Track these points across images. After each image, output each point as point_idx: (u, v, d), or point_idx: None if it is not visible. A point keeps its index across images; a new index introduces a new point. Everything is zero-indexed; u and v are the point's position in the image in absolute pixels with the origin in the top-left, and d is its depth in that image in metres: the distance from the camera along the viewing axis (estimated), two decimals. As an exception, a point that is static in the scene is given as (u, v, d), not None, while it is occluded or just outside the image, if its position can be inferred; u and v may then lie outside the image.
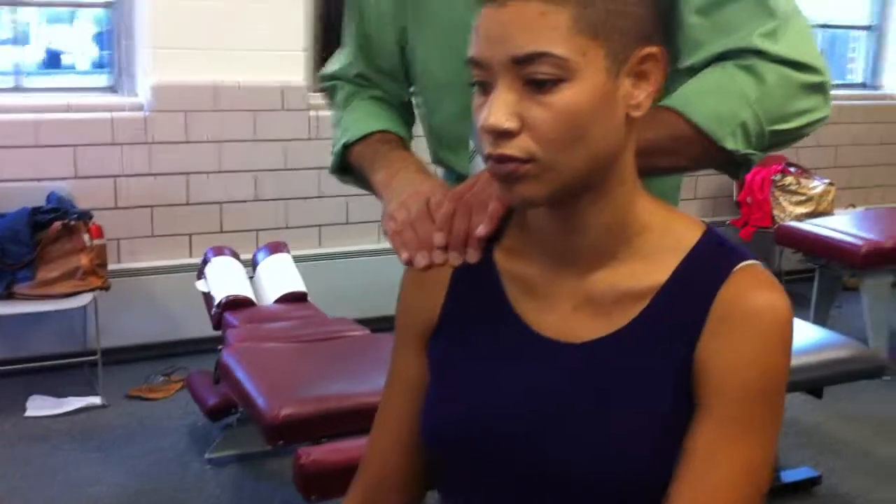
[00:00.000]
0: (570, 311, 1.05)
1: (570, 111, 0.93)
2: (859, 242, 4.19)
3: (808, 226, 4.55)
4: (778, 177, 5.28)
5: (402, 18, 1.47)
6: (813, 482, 3.27)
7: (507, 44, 0.93)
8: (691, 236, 1.03)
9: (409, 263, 1.15)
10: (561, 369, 1.03)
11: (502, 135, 0.94)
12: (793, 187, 5.27)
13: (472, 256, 1.10)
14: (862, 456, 3.49)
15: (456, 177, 1.48)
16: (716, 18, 1.22)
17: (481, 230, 1.10)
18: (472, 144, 1.41)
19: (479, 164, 1.34)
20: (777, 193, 5.26)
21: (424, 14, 1.44)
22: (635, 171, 1.03)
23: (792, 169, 5.35)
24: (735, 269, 1.00)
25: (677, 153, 1.18)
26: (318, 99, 4.47)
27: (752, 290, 0.99)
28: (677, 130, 1.16)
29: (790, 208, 5.23)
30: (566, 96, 0.93)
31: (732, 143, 1.17)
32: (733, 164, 1.22)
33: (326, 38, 4.51)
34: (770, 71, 1.19)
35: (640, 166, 1.06)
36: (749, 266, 1.01)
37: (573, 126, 0.93)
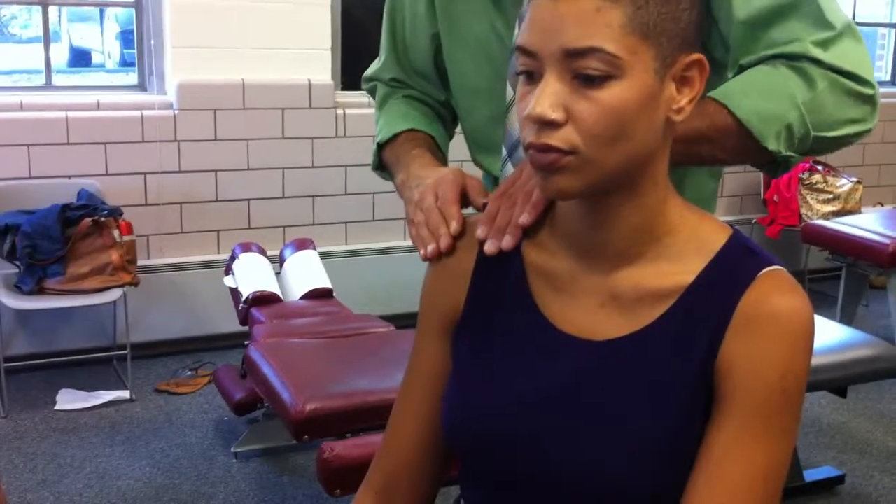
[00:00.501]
0: (596, 307, 1.06)
1: (616, 108, 0.94)
2: (887, 241, 4.16)
3: (836, 224, 4.53)
4: (805, 175, 5.25)
5: (435, 25, 1.50)
6: (836, 481, 3.25)
7: (561, 36, 0.94)
8: (718, 240, 1.05)
9: (426, 259, 1.17)
10: (581, 366, 1.04)
11: (547, 124, 0.95)
12: (820, 185, 5.24)
13: (508, 242, 1.11)
14: (886, 455, 3.47)
15: (492, 179, 1.50)
16: (769, 31, 1.22)
17: (524, 218, 1.10)
18: (504, 151, 1.43)
19: (511, 171, 1.36)
20: (804, 192, 5.24)
21: (454, 22, 1.46)
22: (667, 174, 1.04)
23: (819, 167, 5.32)
24: (760, 274, 1.01)
25: (718, 144, 1.18)
26: (345, 97, 4.50)
27: (775, 294, 1.00)
28: (720, 122, 1.16)
29: (817, 206, 5.20)
30: (614, 93, 0.94)
31: (774, 144, 1.17)
32: (773, 164, 1.22)
33: (352, 37, 4.54)
34: (821, 77, 1.18)
35: (681, 152, 1.07)
36: (773, 271, 1.02)
37: (618, 123, 0.94)
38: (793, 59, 1.20)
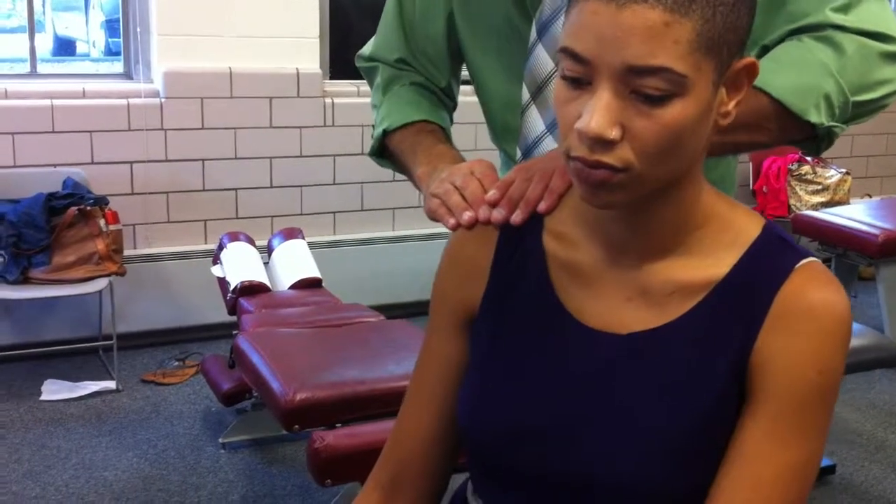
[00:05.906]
0: (623, 301, 1.02)
1: (676, 125, 0.89)
2: (876, 232, 4.16)
3: (824, 215, 4.52)
4: (794, 166, 5.26)
5: (450, 4, 1.46)
6: (827, 471, 3.26)
7: (624, 50, 0.87)
8: (751, 231, 1.02)
9: (454, 228, 1.12)
10: (606, 361, 1.01)
11: (601, 142, 0.89)
12: (809, 176, 5.25)
13: (518, 217, 1.08)
14: (876, 446, 3.48)
15: (511, 164, 1.48)
16: (786, 5, 1.21)
17: (542, 206, 1.08)
18: (518, 153, 1.40)
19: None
20: (793, 182, 5.24)
21: (469, 6, 1.44)
22: (702, 167, 1.01)
23: (808, 158, 5.32)
24: (796, 267, 0.98)
25: (758, 128, 1.15)
26: (333, 86, 4.47)
27: (813, 288, 0.97)
28: (756, 106, 1.13)
29: (806, 197, 5.21)
30: (675, 110, 0.89)
31: (816, 116, 1.14)
32: (814, 139, 1.19)
33: (340, 26, 4.51)
34: (848, 41, 1.17)
35: (717, 144, 1.03)
36: (810, 263, 0.99)
37: (676, 139, 0.90)
38: (816, 30, 1.18)
